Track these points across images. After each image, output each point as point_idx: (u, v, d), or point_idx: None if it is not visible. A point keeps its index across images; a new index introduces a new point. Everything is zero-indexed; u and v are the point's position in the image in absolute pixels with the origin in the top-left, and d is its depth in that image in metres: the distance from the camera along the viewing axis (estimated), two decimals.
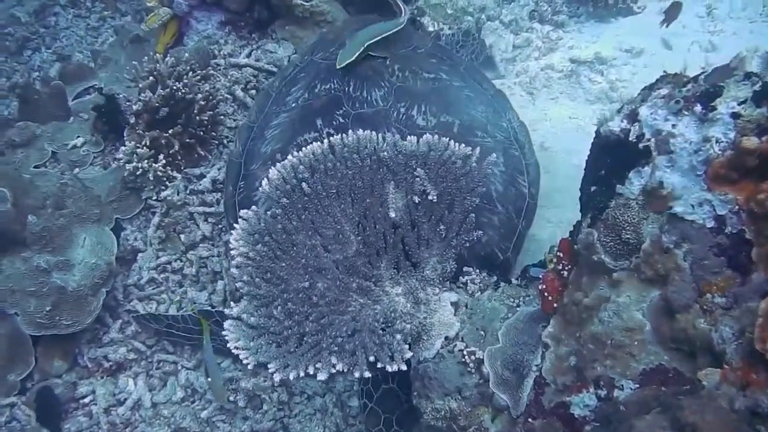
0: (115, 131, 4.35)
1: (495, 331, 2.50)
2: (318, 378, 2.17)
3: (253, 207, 2.45)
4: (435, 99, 3.39)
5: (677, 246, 1.94)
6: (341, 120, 3.25)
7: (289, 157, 2.53)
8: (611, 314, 2.07)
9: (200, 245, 4.04)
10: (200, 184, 4.14)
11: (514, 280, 2.80)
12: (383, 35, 3.50)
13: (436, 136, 2.65)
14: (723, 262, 1.87)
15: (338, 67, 3.37)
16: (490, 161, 2.67)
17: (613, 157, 2.23)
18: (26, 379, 3.63)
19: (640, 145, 2.08)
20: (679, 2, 4.37)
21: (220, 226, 4.10)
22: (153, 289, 3.94)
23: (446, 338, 2.58)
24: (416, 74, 3.49)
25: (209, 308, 3.59)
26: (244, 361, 2.19)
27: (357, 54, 3.37)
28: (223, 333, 2.27)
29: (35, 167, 4.17)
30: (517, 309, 2.57)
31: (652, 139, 2.05)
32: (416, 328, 2.54)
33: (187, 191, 4.13)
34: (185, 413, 3.60)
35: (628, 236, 2.06)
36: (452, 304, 2.66)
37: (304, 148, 2.56)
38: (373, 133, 2.64)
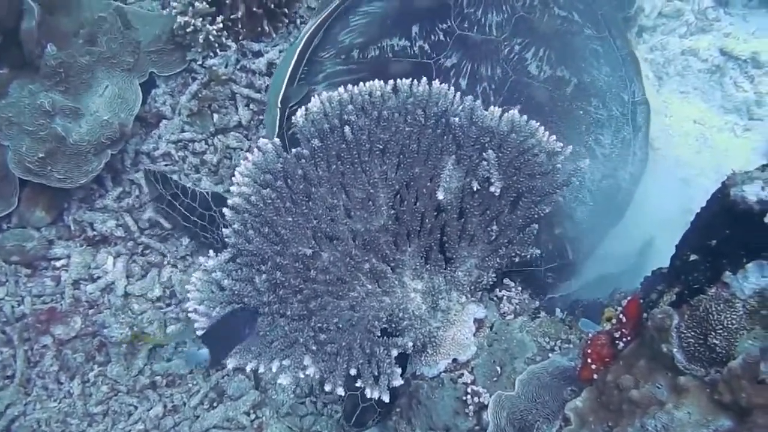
0: None
1: (514, 374, 2.15)
2: (279, 381, 1.85)
3: (276, 139, 2.08)
4: (557, 45, 2.98)
5: None
6: (441, 36, 2.83)
7: (340, 89, 2.13)
8: (659, 426, 1.69)
9: (232, 133, 3.71)
10: (254, 62, 3.75)
11: (558, 311, 2.43)
12: (288, 79, 2.89)
13: (524, 117, 2.22)
14: None
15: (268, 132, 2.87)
16: (579, 168, 2.25)
17: (735, 230, 1.79)
18: (4, 218, 3.44)
19: None
20: None
21: (260, 117, 3.76)
22: (165, 165, 3.66)
23: (454, 360, 2.25)
24: (546, 6, 3.06)
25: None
26: (197, 332, 1.88)
27: (278, 117, 2.82)
28: (187, 287, 1.95)
29: None
30: (550, 355, 2.21)
31: None
32: (424, 336, 2.20)
33: (237, 66, 3.76)
34: (154, 318, 3.37)
35: (716, 341, 1.65)
36: (476, 321, 2.30)
37: (360, 84, 2.16)
38: (451, 89, 2.23)
